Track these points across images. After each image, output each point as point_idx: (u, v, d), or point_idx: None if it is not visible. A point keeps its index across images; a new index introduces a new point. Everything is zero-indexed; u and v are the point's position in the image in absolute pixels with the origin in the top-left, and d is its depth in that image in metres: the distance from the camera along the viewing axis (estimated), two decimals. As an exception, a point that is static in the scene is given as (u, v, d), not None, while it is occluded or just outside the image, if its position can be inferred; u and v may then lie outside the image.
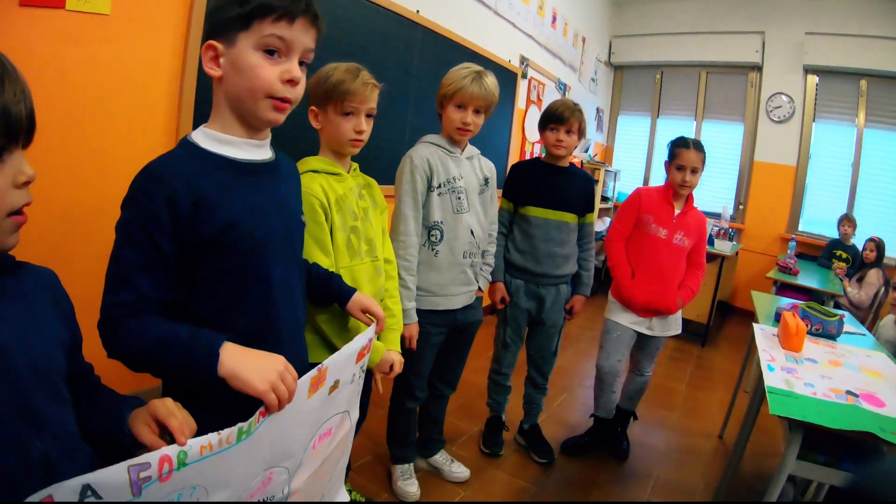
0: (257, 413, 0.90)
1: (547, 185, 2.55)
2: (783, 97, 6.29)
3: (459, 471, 2.48)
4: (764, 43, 6.32)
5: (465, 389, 3.20)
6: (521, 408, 2.86)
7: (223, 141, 1.09)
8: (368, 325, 1.35)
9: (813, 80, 6.13)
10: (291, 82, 1.06)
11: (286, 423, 0.98)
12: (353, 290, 1.49)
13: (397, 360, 1.76)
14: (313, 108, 1.67)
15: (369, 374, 1.77)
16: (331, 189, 1.62)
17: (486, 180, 2.25)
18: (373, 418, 2.42)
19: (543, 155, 2.68)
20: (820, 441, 1.72)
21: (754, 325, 2.55)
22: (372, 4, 3.09)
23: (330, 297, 1.49)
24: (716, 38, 6.58)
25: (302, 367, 1.03)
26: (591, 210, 2.68)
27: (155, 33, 2.10)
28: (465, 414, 3.11)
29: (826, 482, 1.97)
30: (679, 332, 2.81)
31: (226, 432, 0.82)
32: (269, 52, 1.03)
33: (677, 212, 2.68)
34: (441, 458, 2.51)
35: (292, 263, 1.22)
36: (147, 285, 0.99)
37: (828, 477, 1.75)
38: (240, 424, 0.85)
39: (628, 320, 2.72)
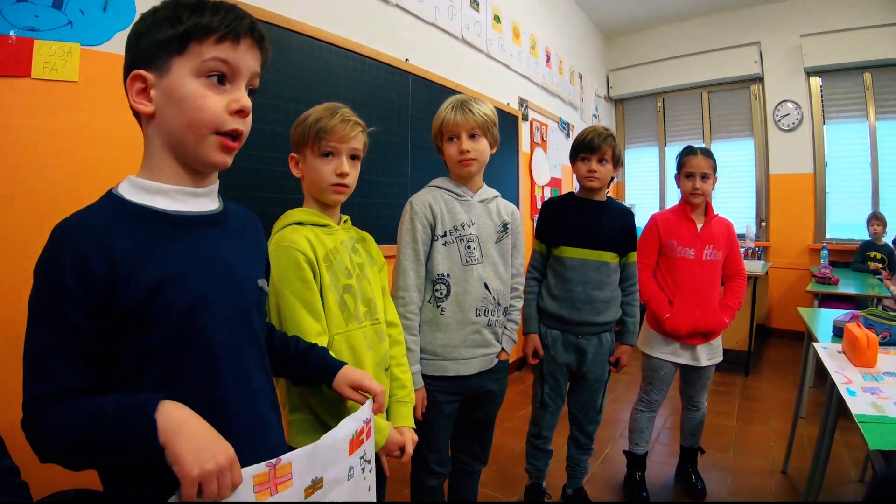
0: None
1: (582, 223, 2.32)
2: (789, 104, 6.13)
3: (499, 550, 2.20)
4: (761, 53, 6.22)
5: (500, 455, 2.98)
6: (564, 470, 2.59)
7: (151, 190, 0.92)
8: (363, 404, 1.13)
9: (816, 81, 5.98)
10: (241, 112, 0.92)
11: None
12: (339, 365, 1.26)
13: (410, 439, 1.51)
14: (293, 154, 1.52)
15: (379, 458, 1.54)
16: (319, 242, 1.43)
17: (505, 225, 1.99)
18: (398, 497, 2.17)
19: (577, 190, 2.46)
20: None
21: (815, 344, 2.28)
22: (359, 56, 3.00)
23: (311, 375, 1.27)
24: (711, 56, 6.49)
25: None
26: (634, 248, 2.43)
27: (126, 99, 1.98)
28: (500, 483, 2.84)
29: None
30: (721, 357, 2.67)
31: None
32: (212, 79, 0.89)
33: (700, 226, 2.57)
34: (477, 539, 2.22)
35: (245, 339, 1.00)
36: (66, 373, 0.82)
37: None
38: None
39: (670, 352, 2.58)
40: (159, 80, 0.88)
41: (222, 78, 0.90)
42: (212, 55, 0.88)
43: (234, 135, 0.93)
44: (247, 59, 0.92)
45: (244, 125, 0.94)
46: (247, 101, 0.93)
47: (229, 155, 0.94)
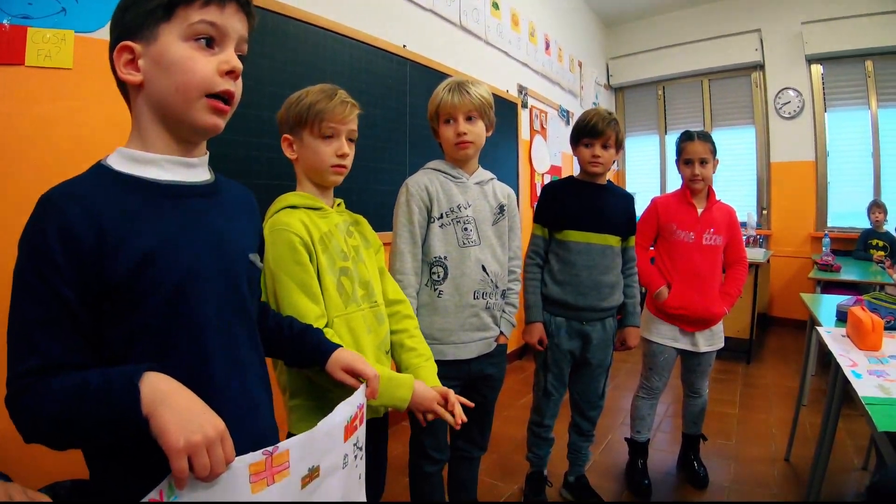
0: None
1: (586, 206, 2.28)
2: (790, 92, 6.09)
3: (501, 539, 2.17)
4: (762, 40, 6.17)
5: (500, 443, 2.97)
6: (565, 458, 2.57)
7: (141, 160, 0.90)
8: (356, 388, 1.10)
9: (817, 69, 5.93)
10: (232, 73, 0.90)
11: None
12: (333, 347, 1.23)
13: (448, 390, 1.46)
14: (287, 136, 1.49)
15: (382, 443, 1.53)
16: (313, 225, 1.41)
17: (502, 207, 1.97)
18: (398, 486, 2.16)
19: (577, 173, 2.43)
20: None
21: (819, 328, 2.27)
22: (356, 42, 2.96)
23: (305, 357, 1.24)
24: (712, 43, 6.45)
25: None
26: (634, 232, 2.43)
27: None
28: (500, 471, 2.83)
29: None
30: (723, 344, 2.65)
31: None
32: (201, 42, 0.88)
33: (700, 210, 2.56)
34: (478, 528, 2.19)
35: (236, 314, 0.97)
36: (55, 349, 0.78)
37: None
38: None
39: (671, 337, 2.58)
40: (147, 49, 0.87)
41: (211, 42, 0.89)
42: (199, 18, 0.86)
43: (226, 97, 0.91)
44: (234, 22, 0.91)
45: (235, 87, 0.92)
46: (237, 62, 0.91)
47: (221, 118, 0.92)
